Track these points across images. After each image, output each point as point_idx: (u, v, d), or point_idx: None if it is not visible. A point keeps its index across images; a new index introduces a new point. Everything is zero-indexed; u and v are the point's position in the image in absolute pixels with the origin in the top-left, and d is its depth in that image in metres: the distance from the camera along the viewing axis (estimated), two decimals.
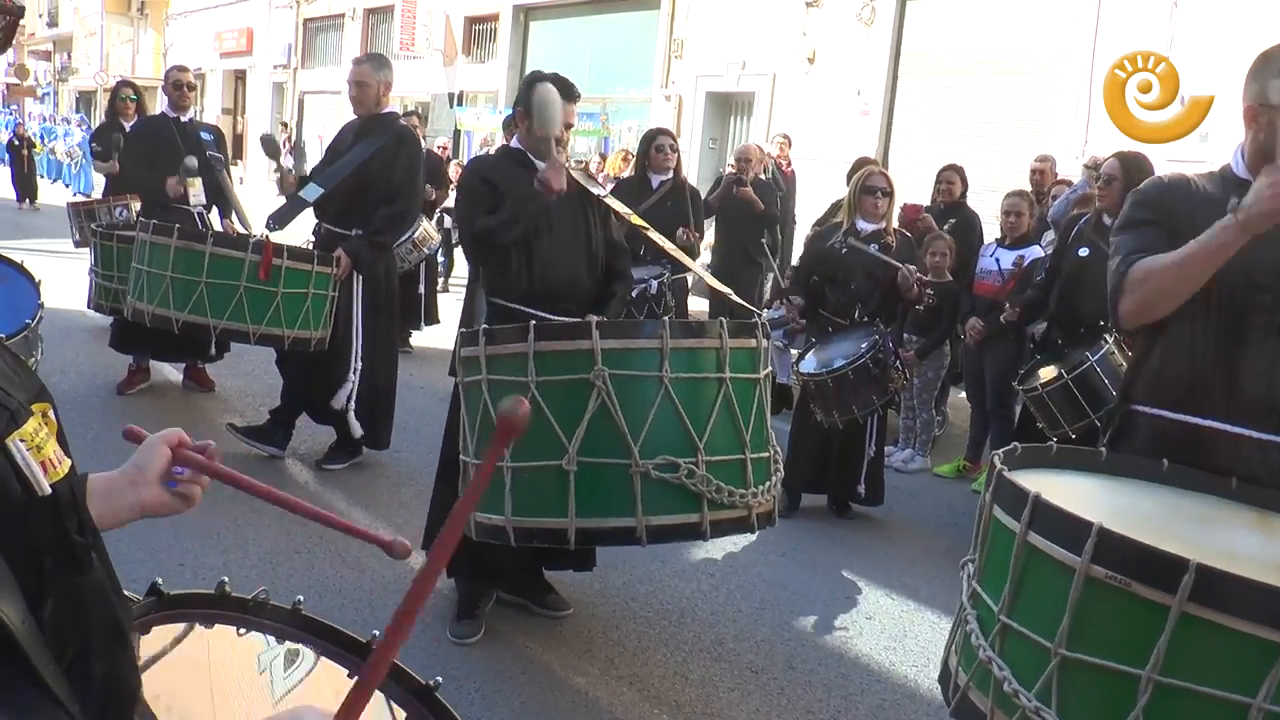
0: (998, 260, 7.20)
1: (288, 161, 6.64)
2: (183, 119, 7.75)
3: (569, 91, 4.35)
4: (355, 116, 6.27)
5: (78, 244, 9.94)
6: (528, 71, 20.22)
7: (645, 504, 3.23)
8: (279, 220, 5.97)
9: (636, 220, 4.63)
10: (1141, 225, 2.68)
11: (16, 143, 22.59)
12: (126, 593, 1.45)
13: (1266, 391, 2.53)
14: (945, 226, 8.04)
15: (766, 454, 3.51)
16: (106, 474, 1.52)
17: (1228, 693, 1.74)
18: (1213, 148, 8.09)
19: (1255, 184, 2.32)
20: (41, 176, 24.15)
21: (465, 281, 7.75)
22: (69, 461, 1.16)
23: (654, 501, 3.24)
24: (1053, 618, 1.91)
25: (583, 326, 3.40)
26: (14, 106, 45.03)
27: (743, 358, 3.43)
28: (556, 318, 4.18)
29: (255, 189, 25.24)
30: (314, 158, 7.53)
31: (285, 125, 27.37)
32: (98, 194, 12.40)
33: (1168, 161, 8.36)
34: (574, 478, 3.24)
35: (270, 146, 6.44)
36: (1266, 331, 2.53)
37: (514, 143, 4.54)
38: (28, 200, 21.76)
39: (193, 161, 7.28)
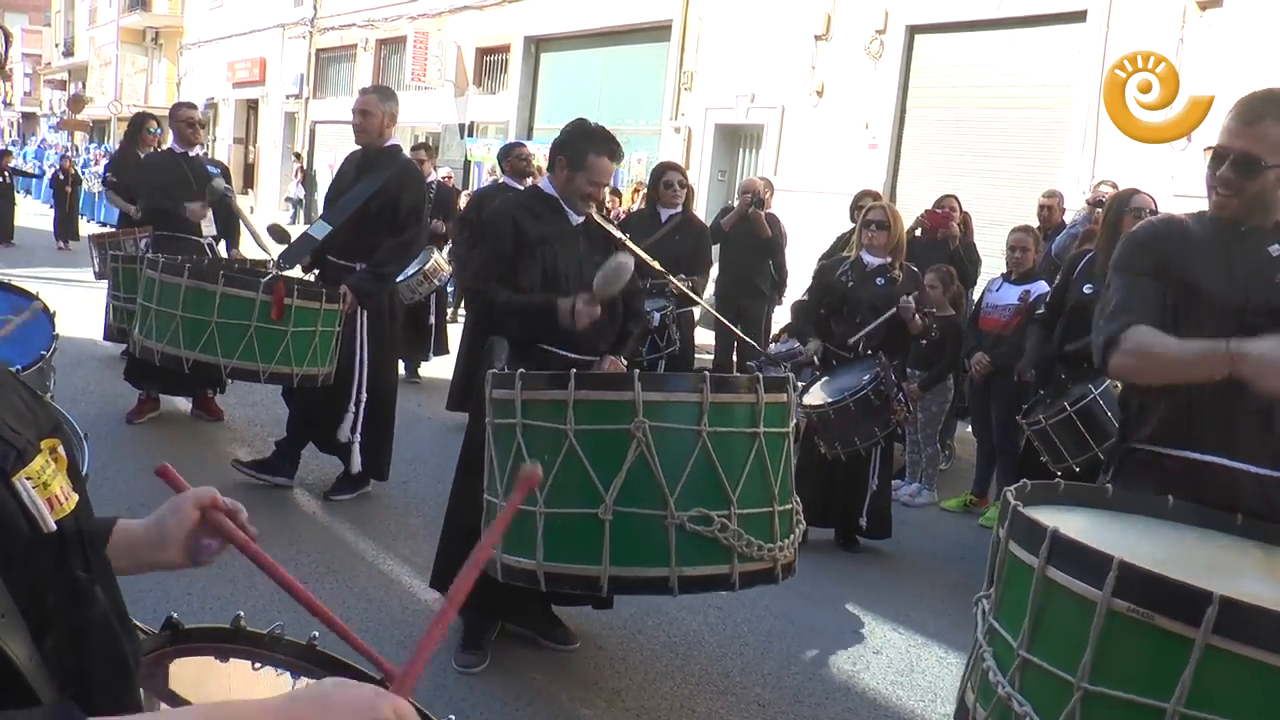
0: (1003, 295, 7.22)
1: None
2: (190, 154, 7.92)
3: (615, 153, 4.36)
4: (358, 146, 6.33)
5: (98, 275, 10.01)
6: (539, 103, 20.30)
7: (678, 555, 3.24)
8: (288, 259, 6.01)
9: (655, 265, 4.66)
10: (1137, 275, 2.71)
11: (62, 177, 21.69)
12: (139, 624, 1.47)
13: (1263, 428, 2.55)
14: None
15: (790, 505, 3.55)
16: (133, 525, 1.52)
17: None
18: None
19: (1266, 351, 2.35)
20: (83, 217, 23.09)
21: None
22: (76, 497, 1.18)
23: (687, 553, 3.26)
24: (1074, 652, 1.91)
25: (624, 378, 3.42)
26: (31, 138, 45.36)
27: (775, 412, 3.46)
28: (576, 355, 4.20)
29: (268, 216, 25.37)
30: (324, 186, 7.60)
31: (298, 156, 27.54)
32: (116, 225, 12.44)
33: (1174, 196, 8.41)
34: (609, 526, 3.25)
35: (279, 233, 6.53)
36: None
37: (545, 184, 4.48)
38: (68, 240, 20.34)
39: (220, 184, 7.34)
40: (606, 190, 4.59)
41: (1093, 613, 1.87)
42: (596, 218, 4.49)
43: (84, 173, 25.28)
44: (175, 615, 1.58)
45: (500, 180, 9.59)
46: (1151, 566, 2.21)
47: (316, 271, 6.47)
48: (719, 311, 8.44)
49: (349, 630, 1.54)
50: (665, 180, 7.83)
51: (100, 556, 1.25)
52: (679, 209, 7.84)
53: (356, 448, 6.22)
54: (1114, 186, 8.27)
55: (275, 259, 6.09)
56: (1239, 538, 2.50)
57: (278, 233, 6.51)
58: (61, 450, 1.19)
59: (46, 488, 1.13)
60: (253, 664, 1.64)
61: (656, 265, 4.70)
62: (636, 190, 13.25)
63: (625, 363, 4.38)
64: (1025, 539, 2.08)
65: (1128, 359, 2.64)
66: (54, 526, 1.12)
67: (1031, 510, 2.27)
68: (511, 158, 8.94)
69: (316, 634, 1.71)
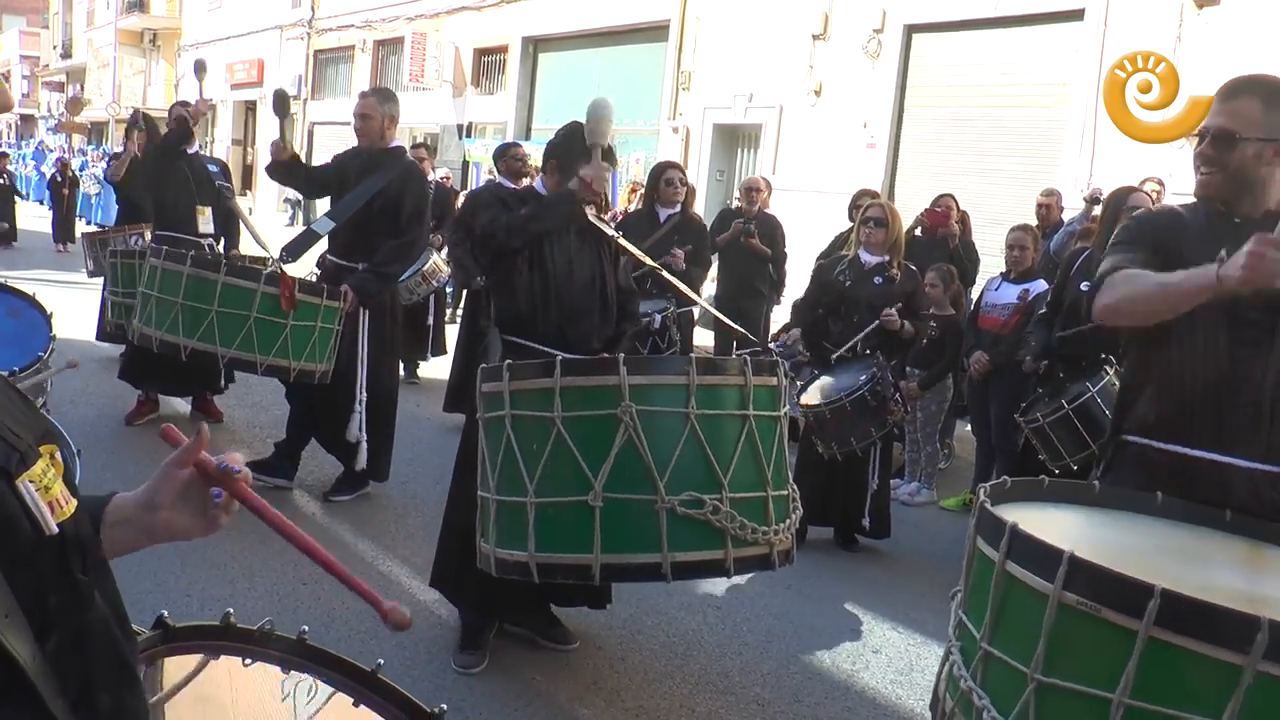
0: (1002, 294, 7.22)
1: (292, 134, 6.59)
2: (188, 151, 7.93)
3: (609, 154, 4.36)
4: (360, 148, 6.33)
5: (91, 274, 10.03)
6: (537, 103, 20.28)
7: (670, 540, 3.22)
8: (292, 252, 6.02)
9: (650, 262, 4.66)
10: (1134, 244, 2.71)
11: (59, 179, 21.55)
12: (134, 625, 1.47)
13: (1254, 421, 2.54)
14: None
15: (786, 491, 3.52)
16: (124, 497, 1.48)
17: (1196, 715, 1.79)
18: None
19: (1244, 248, 2.28)
20: (81, 219, 22.84)
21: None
22: (75, 501, 1.18)
23: (679, 538, 3.24)
24: (1029, 644, 1.95)
25: (609, 362, 3.40)
26: (28, 140, 45.28)
27: (765, 395, 3.44)
28: (570, 355, 4.19)
29: (265, 218, 25.38)
30: None
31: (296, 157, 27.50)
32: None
33: (1172, 195, 8.41)
34: (599, 513, 3.24)
35: (281, 104, 6.44)
36: (1253, 361, 2.55)
37: (538, 185, 4.51)
38: (66, 243, 19.91)
39: (203, 60, 7.22)
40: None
41: (1046, 606, 1.92)
42: (591, 216, 4.48)
43: (81, 175, 25.20)
44: (165, 614, 1.57)
45: (495, 181, 9.59)
46: (1124, 553, 2.25)
47: (318, 271, 6.47)
48: (720, 311, 8.45)
49: (349, 573, 1.52)
50: (666, 178, 7.81)
51: (98, 560, 1.25)
52: (678, 208, 7.83)
53: (364, 446, 6.22)
54: (1160, 184, 8.27)
55: (276, 254, 6.09)
56: (1226, 533, 2.50)
57: (281, 102, 6.41)
58: (59, 456, 1.19)
59: (48, 491, 1.13)
60: (243, 660, 1.64)
61: (650, 261, 4.69)
62: (633, 190, 13.22)
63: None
64: (989, 534, 2.12)
65: (1111, 296, 2.61)
66: (56, 529, 1.13)
67: (1014, 507, 2.29)
68: (507, 158, 8.93)
69: (306, 628, 1.71)
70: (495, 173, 10.36)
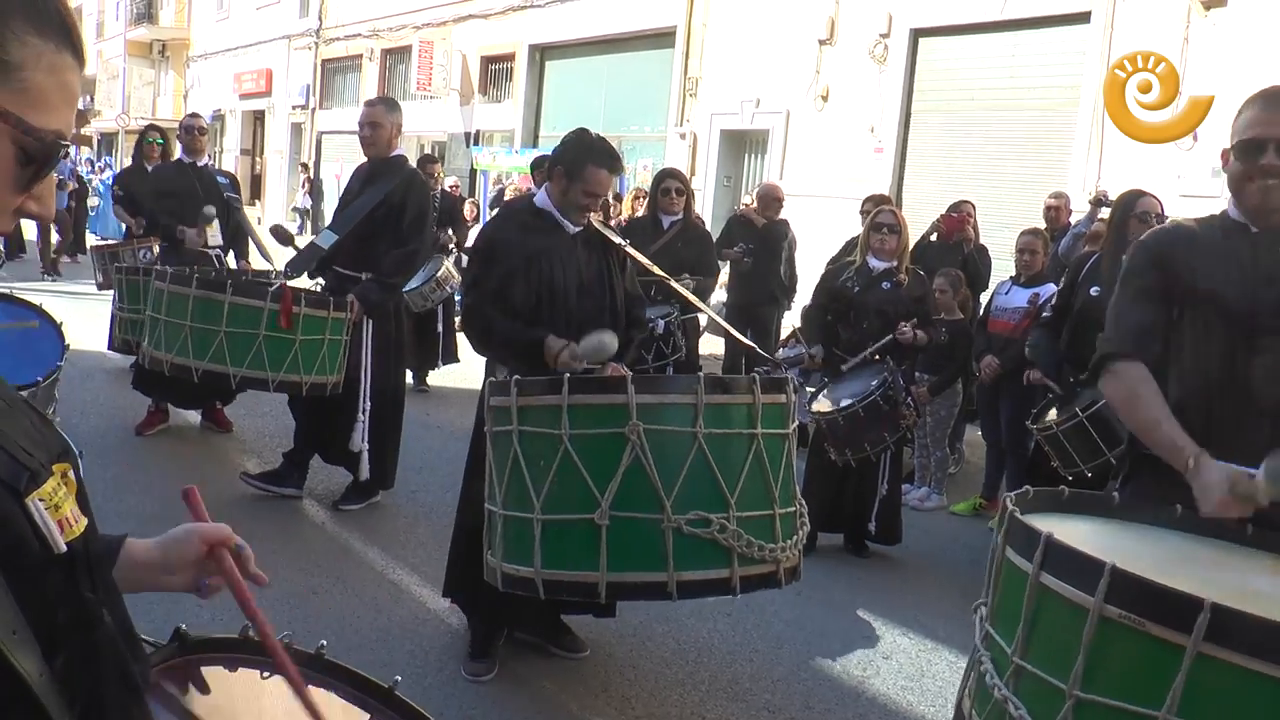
0: (1012, 298, 7.21)
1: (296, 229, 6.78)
2: (198, 164, 7.97)
3: (614, 167, 4.33)
4: (366, 159, 6.35)
5: (100, 286, 10.06)
6: (544, 111, 20.21)
7: (676, 559, 3.23)
8: (295, 268, 6.05)
9: (657, 271, 4.65)
10: (1139, 291, 2.72)
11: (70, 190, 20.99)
12: (148, 638, 1.48)
13: (1273, 433, 2.52)
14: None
15: (793, 508, 3.52)
16: (140, 546, 1.52)
17: None
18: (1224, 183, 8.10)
19: (1211, 484, 2.40)
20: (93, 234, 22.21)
21: None
22: (85, 520, 1.19)
23: (685, 557, 3.24)
24: (1066, 659, 1.89)
25: (618, 381, 3.40)
26: None
27: (774, 413, 3.44)
28: None
29: None
30: (330, 196, 7.61)
31: (305, 166, 27.61)
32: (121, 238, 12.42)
33: (1181, 196, 8.40)
34: (606, 532, 3.24)
35: (282, 235, 6.56)
36: (1271, 373, 2.53)
37: (540, 198, 4.44)
38: (75, 254, 19.53)
39: (211, 210, 7.46)
40: (610, 194, 4.55)
41: (1085, 619, 1.86)
42: (596, 224, 4.48)
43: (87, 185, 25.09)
44: (183, 627, 1.58)
45: (527, 191, 9.58)
46: (1151, 565, 2.19)
47: (321, 281, 6.49)
48: (732, 317, 8.46)
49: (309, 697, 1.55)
50: (664, 188, 7.83)
51: (107, 578, 1.26)
52: (680, 215, 7.84)
53: (366, 455, 6.23)
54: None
55: (282, 268, 6.12)
56: (1249, 547, 2.44)
57: (280, 234, 6.52)
58: (72, 474, 1.20)
59: (58, 510, 1.14)
60: (261, 673, 1.65)
61: (658, 270, 4.69)
62: (638, 197, 13.22)
63: (626, 370, 4.37)
64: (1021, 545, 2.06)
65: (1116, 393, 2.74)
66: (64, 548, 1.13)
67: (1035, 518, 2.24)
68: (545, 168, 8.92)
69: (324, 643, 1.72)
70: (502, 180, 10.38)
